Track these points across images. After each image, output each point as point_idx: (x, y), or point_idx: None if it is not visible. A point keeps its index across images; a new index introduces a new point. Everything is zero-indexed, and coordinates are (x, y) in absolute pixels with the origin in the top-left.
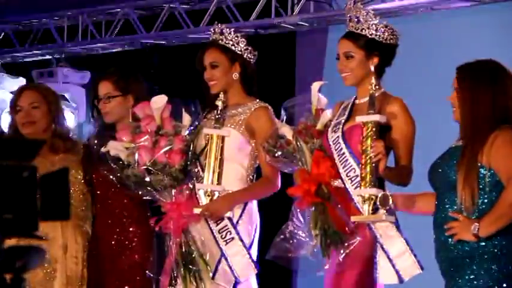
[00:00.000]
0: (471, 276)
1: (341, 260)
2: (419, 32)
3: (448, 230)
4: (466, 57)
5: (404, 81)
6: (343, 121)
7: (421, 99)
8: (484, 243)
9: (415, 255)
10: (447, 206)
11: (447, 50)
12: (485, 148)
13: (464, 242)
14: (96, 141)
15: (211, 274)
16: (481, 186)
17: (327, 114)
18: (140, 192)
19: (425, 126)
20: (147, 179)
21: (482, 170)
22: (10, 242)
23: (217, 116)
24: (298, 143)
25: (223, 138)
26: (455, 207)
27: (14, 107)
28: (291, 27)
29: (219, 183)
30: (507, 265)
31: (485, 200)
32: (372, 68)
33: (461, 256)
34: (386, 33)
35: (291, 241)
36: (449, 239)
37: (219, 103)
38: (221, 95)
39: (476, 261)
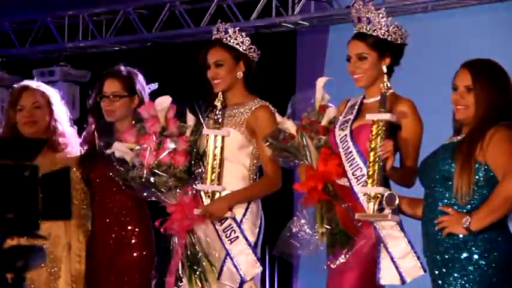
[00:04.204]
0: (462, 273)
1: (345, 259)
2: (420, 32)
3: (438, 224)
4: (466, 57)
5: (403, 81)
6: (351, 119)
7: (420, 99)
8: (473, 237)
9: (418, 257)
10: (438, 201)
11: (447, 50)
12: (483, 143)
13: (454, 235)
14: (101, 142)
15: (216, 274)
16: (474, 181)
17: (332, 111)
18: (145, 194)
19: (425, 126)
20: (152, 180)
21: (476, 165)
22: (12, 242)
23: (216, 117)
24: (303, 139)
25: (222, 138)
26: (445, 201)
27: (15, 106)
28: (292, 26)
29: (219, 183)
30: (496, 260)
31: (476, 196)
32: (385, 69)
33: (451, 250)
34: (397, 33)
35: (297, 238)
36: (439, 233)
37: (218, 103)
38: (220, 96)
39: (466, 255)
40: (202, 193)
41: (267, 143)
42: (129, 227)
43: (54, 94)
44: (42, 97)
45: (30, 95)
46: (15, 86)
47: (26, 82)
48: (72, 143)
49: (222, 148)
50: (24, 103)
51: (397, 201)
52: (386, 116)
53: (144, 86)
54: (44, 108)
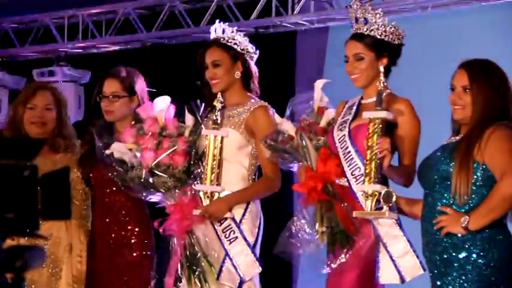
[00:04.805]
0: (460, 272)
1: (346, 258)
2: (419, 32)
3: (436, 224)
4: (466, 57)
5: (403, 81)
6: (349, 120)
7: (420, 99)
8: (471, 237)
9: (417, 256)
10: (437, 201)
11: (447, 50)
12: (481, 143)
13: (453, 235)
14: (100, 143)
15: (215, 275)
16: (472, 181)
17: (331, 112)
18: (144, 194)
19: (425, 126)
20: (151, 180)
21: (475, 164)
22: (12, 242)
23: (215, 117)
24: (302, 140)
25: (221, 138)
26: (444, 201)
27: (26, 104)
28: (292, 26)
29: (218, 183)
30: (494, 259)
31: (474, 195)
32: (382, 69)
33: (449, 250)
34: (395, 34)
35: (297, 237)
36: (438, 233)
37: (217, 104)
38: (219, 96)
39: (464, 255)
40: (201, 193)
41: (266, 145)
42: (129, 227)
43: (63, 97)
44: (54, 99)
45: (44, 95)
46: (29, 83)
47: (40, 82)
48: (71, 143)
49: (221, 149)
50: (37, 103)
51: (394, 199)
52: (383, 114)
53: (144, 87)
54: (53, 111)
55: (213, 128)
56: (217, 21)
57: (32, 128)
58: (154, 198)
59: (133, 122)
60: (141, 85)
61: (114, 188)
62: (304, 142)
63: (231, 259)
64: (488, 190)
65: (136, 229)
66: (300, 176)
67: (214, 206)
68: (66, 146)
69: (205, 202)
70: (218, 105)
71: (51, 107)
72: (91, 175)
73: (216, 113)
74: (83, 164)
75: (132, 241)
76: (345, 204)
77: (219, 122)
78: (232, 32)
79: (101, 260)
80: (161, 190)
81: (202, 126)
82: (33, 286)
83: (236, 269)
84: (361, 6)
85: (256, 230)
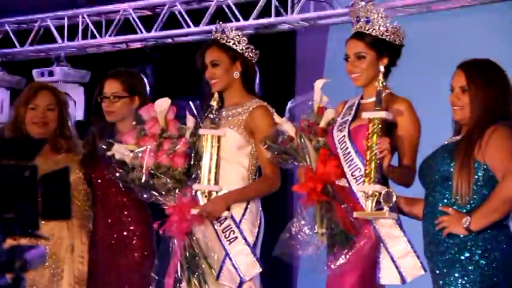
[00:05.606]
0: (462, 273)
1: (346, 259)
2: (420, 32)
3: (438, 224)
4: (466, 57)
5: (403, 81)
6: (349, 120)
7: (420, 99)
8: (473, 237)
9: (418, 257)
10: (438, 201)
11: (447, 50)
12: (481, 143)
13: (454, 235)
14: (101, 144)
15: (215, 275)
16: (473, 181)
17: (331, 112)
18: (145, 196)
19: (425, 126)
20: (151, 182)
21: (475, 164)
22: (12, 242)
23: (212, 117)
24: (302, 141)
25: (218, 138)
26: (445, 201)
27: (27, 104)
28: (291, 26)
29: (216, 183)
30: (496, 260)
31: (476, 195)
32: (382, 69)
33: (451, 250)
34: (396, 34)
35: (297, 239)
36: (440, 233)
37: (214, 103)
38: (216, 96)
39: (466, 255)
40: (199, 193)
41: (266, 146)
42: (131, 227)
43: (64, 97)
44: (55, 99)
45: (46, 95)
46: (31, 83)
47: (42, 82)
48: (73, 144)
49: (218, 148)
50: (39, 103)
51: (394, 199)
52: (382, 114)
53: (145, 87)
54: (55, 111)
55: (210, 128)
56: (216, 21)
57: (33, 128)
58: (154, 200)
59: (134, 123)
60: (142, 86)
61: (116, 189)
62: (303, 143)
63: (230, 259)
64: (489, 190)
65: (138, 230)
66: (300, 177)
67: (212, 204)
68: (67, 146)
69: (203, 201)
70: (215, 105)
71: (52, 107)
72: (93, 176)
73: (214, 113)
74: (84, 164)
75: (134, 242)
76: (345, 205)
77: (216, 121)
78: (232, 31)
79: (103, 260)
80: (161, 191)
81: (200, 126)
82: (34, 286)
83: (236, 269)
84: (363, 5)
85: (256, 229)
